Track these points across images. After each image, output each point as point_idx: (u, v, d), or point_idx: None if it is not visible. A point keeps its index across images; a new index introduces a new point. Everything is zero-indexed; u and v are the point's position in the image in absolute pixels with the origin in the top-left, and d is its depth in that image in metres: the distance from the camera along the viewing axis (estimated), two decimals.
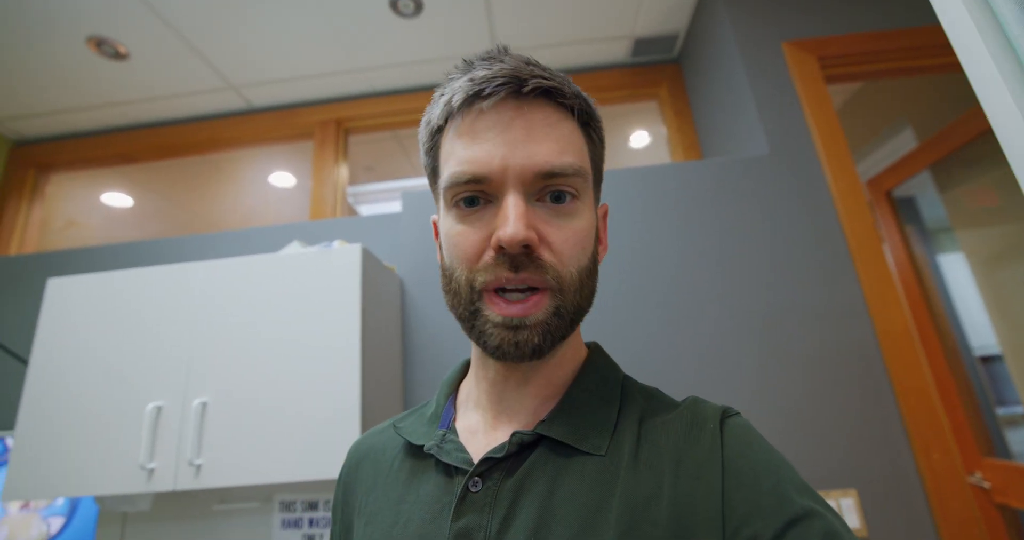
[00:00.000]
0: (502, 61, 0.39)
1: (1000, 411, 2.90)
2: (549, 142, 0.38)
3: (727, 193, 1.39)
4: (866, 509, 1.11)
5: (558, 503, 0.36)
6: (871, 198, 2.09)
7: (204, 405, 1.02)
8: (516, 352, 0.37)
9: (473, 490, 0.38)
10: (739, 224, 1.36)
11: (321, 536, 1.13)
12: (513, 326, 0.37)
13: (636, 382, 0.46)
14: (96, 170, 2.12)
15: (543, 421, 0.40)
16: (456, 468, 0.40)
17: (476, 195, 0.38)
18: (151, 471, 1.00)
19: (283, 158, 2.21)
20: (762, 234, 1.34)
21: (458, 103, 0.39)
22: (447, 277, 0.40)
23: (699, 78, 1.85)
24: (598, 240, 0.44)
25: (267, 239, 1.51)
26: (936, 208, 2.84)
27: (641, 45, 1.94)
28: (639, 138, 2.42)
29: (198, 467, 0.99)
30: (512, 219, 0.35)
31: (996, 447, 1.84)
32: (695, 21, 1.82)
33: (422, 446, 0.43)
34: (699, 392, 0.93)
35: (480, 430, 0.43)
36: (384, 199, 2.44)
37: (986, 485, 1.38)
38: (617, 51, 1.96)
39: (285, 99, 1.99)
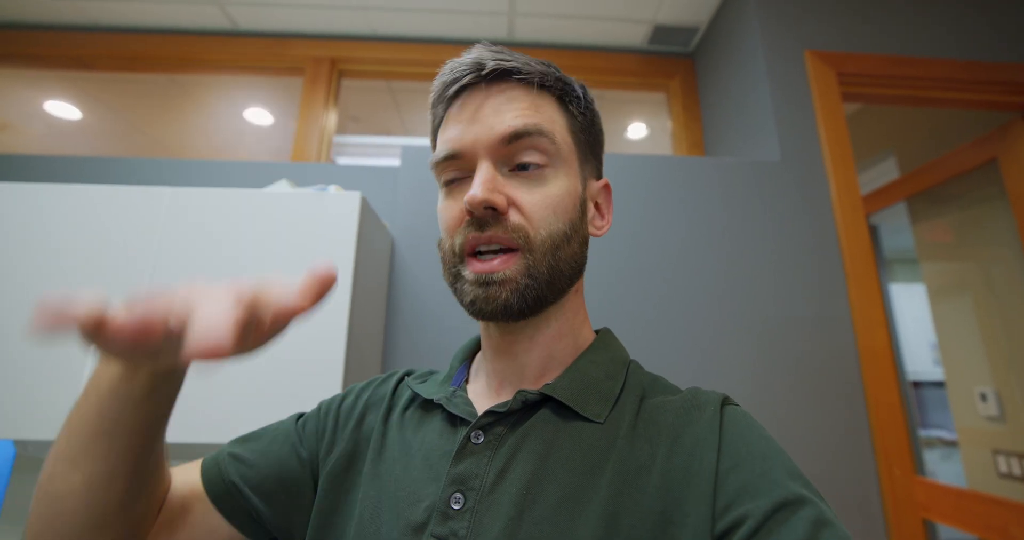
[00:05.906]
0: (470, 53, 0.43)
1: (922, 433, 3.17)
2: (512, 111, 0.41)
3: (733, 194, 1.37)
4: None
5: (553, 463, 0.38)
6: None
7: None
8: (488, 308, 0.40)
9: (475, 442, 0.40)
10: (741, 226, 1.34)
11: None
12: (483, 282, 0.39)
13: (641, 367, 0.48)
14: (40, 71, 1.85)
15: (548, 383, 0.42)
16: (461, 419, 0.43)
17: (457, 173, 0.43)
18: None
19: (263, 93, 2.01)
20: (762, 239, 1.34)
21: (435, 96, 0.44)
22: (440, 248, 0.44)
23: (713, 75, 1.82)
24: (599, 214, 0.48)
25: (246, 174, 1.35)
26: (895, 239, 3.00)
27: (660, 33, 1.89)
28: (636, 130, 2.38)
29: None
30: (476, 183, 0.39)
31: (916, 465, 1.98)
32: (718, 16, 1.78)
33: (432, 400, 0.45)
34: (681, 384, 0.90)
35: (486, 393, 0.46)
36: (367, 154, 2.28)
37: None
38: (635, 35, 1.90)
39: (276, 26, 1.79)
